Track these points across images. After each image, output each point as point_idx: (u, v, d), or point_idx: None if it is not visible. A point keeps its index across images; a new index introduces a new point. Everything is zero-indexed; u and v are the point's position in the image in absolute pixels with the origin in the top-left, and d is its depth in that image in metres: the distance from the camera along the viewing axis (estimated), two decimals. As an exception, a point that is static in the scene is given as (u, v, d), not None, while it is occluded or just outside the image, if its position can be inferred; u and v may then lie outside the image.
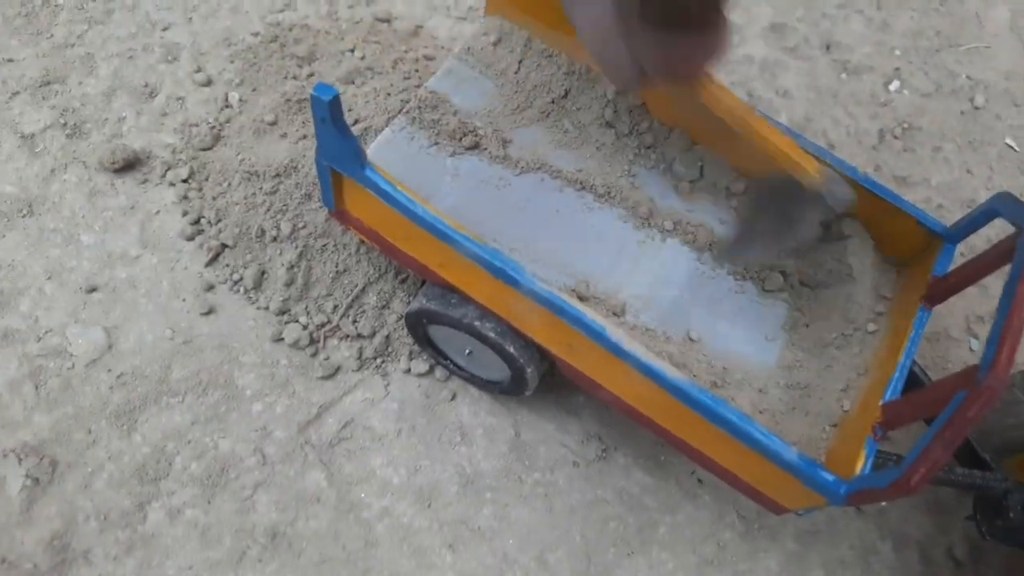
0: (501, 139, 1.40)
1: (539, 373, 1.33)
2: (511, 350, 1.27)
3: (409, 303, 1.51)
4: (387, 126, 1.38)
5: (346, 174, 1.16)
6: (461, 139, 1.37)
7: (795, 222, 1.21)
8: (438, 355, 1.49)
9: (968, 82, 2.21)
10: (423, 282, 1.42)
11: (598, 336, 1.10)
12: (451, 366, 1.50)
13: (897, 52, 2.21)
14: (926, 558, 1.53)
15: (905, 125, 2.07)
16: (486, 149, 1.39)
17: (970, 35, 2.28)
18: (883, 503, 1.56)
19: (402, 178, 1.14)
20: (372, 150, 1.34)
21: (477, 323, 1.26)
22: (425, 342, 1.47)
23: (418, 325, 1.40)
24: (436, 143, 1.38)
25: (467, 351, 1.40)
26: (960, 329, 1.78)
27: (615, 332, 1.09)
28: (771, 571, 1.47)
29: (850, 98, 2.08)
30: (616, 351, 1.09)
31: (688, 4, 0.91)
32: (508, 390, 1.42)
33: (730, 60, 2.08)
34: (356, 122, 1.56)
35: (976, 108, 2.16)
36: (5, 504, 1.34)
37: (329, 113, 1.02)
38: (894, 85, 2.15)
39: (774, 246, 1.28)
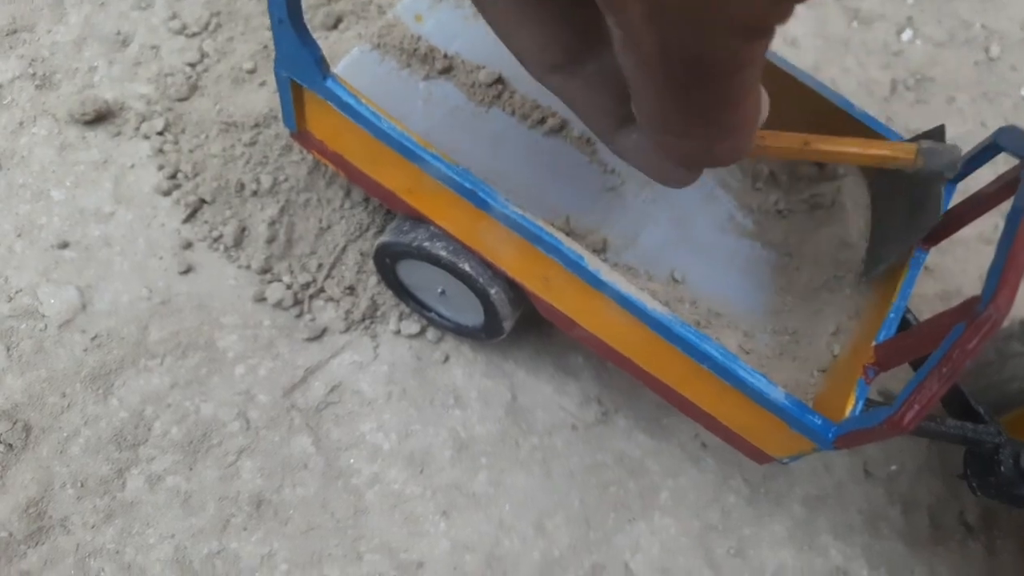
0: (476, 65, 1.32)
1: (507, 298, 1.25)
2: (466, 268, 1.20)
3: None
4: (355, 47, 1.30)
5: (306, 86, 1.08)
6: (434, 62, 1.29)
7: (919, 208, 1.11)
8: (415, 303, 1.43)
9: (983, 31, 2.11)
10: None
11: (575, 266, 1.03)
12: (434, 316, 1.43)
13: (909, 0, 2.12)
14: (937, 523, 1.48)
15: (918, 76, 1.98)
16: (458, 76, 1.30)
17: (986, -18, 2.19)
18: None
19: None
20: (338, 71, 1.26)
21: (427, 244, 1.20)
22: (400, 289, 1.40)
23: (385, 269, 1.34)
24: (408, 65, 1.30)
25: (439, 290, 1.34)
26: (973, 287, 1.72)
27: (593, 261, 1.03)
28: (777, 536, 1.42)
29: (861, 47, 1.99)
30: (594, 282, 1.03)
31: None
32: (489, 329, 1.35)
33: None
34: (340, 69, 1.47)
35: (991, 59, 2.07)
36: (-24, 471, 1.28)
37: (287, 12, 0.93)
38: (906, 34, 2.06)
39: (908, 238, 1.15)
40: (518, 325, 1.45)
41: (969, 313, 0.84)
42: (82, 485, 1.30)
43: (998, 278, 0.84)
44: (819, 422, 0.98)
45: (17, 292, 1.40)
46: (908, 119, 1.90)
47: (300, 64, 1.04)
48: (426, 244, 1.21)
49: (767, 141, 1.03)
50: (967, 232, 1.76)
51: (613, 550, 1.37)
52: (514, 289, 1.24)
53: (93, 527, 1.28)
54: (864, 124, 1.26)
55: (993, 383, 1.32)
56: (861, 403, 1.03)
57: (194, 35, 1.66)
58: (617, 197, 1.30)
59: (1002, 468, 1.22)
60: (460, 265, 1.20)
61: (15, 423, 1.32)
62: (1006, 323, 1.39)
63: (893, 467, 1.51)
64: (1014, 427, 1.29)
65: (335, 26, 1.56)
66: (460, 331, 1.42)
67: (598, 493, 1.41)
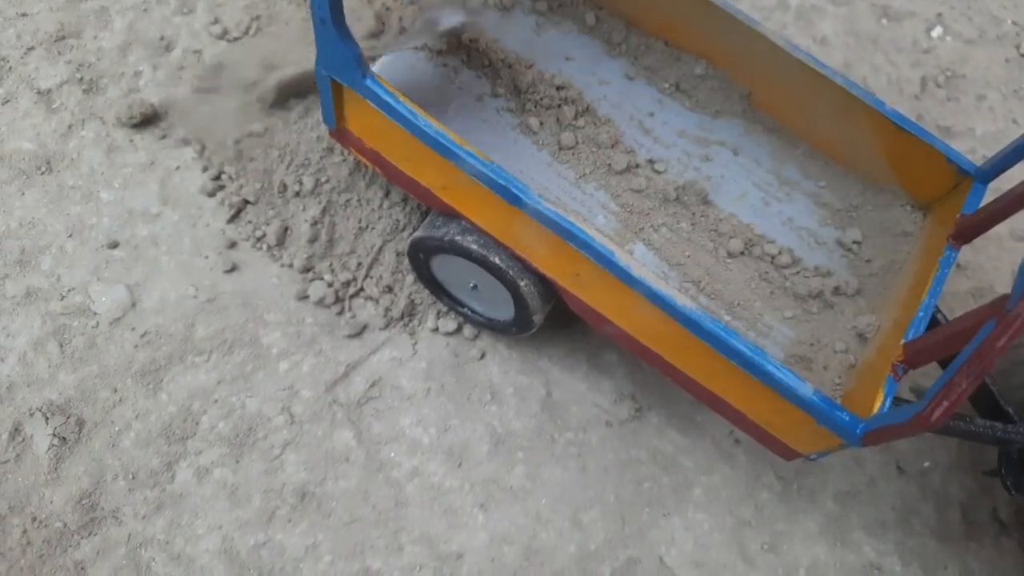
0: (507, 63, 1.36)
1: (536, 291, 1.27)
2: (496, 261, 1.23)
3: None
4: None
5: (346, 84, 1.11)
6: (465, 56, 1.34)
7: None
8: (449, 299, 1.46)
9: (1013, 28, 2.11)
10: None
11: (606, 262, 1.05)
12: (467, 312, 1.46)
13: (940, -3, 2.11)
14: (970, 519, 1.48)
15: (948, 73, 1.98)
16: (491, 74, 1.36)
17: (1017, -22, 2.18)
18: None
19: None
20: (376, 69, 1.29)
21: (459, 238, 1.24)
22: (432, 284, 1.44)
23: (419, 264, 1.38)
24: (444, 65, 1.33)
25: (471, 285, 1.37)
26: (1005, 285, 1.72)
27: (624, 258, 1.04)
28: (810, 532, 1.43)
29: (891, 45, 1.99)
30: (625, 278, 1.05)
31: None
32: (519, 322, 1.37)
33: (764, 7, 1.99)
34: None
35: (1022, 55, 2.06)
36: (33, 463, 1.33)
37: (329, 13, 0.97)
38: (936, 31, 2.05)
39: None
40: (551, 323, 1.48)
41: (999, 311, 0.85)
42: (133, 477, 1.34)
43: None
44: (847, 418, 0.99)
45: (70, 291, 1.45)
46: (939, 117, 1.90)
47: (340, 63, 1.07)
48: (458, 238, 1.24)
49: None
50: (999, 229, 1.75)
51: (648, 544, 1.39)
52: (543, 283, 1.26)
53: (144, 518, 1.32)
54: (894, 122, 1.27)
55: (1017, 384, 1.31)
56: (889, 400, 1.04)
57: (235, 39, 1.70)
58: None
59: None
60: (491, 259, 1.23)
61: (68, 417, 1.37)
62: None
63: (926, 464, 1.52)
64: None
65: (377, 36, 1.59)
66: (492, 326, 1.45)
67: (632, 488, 1.43)
